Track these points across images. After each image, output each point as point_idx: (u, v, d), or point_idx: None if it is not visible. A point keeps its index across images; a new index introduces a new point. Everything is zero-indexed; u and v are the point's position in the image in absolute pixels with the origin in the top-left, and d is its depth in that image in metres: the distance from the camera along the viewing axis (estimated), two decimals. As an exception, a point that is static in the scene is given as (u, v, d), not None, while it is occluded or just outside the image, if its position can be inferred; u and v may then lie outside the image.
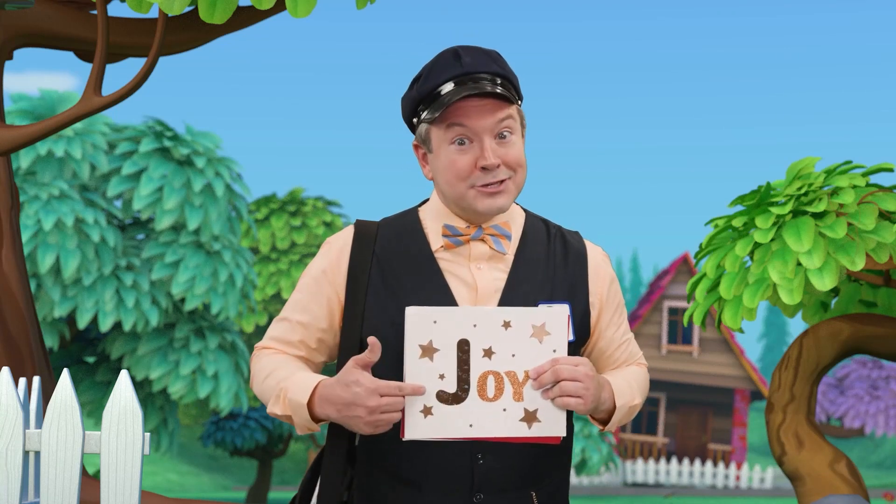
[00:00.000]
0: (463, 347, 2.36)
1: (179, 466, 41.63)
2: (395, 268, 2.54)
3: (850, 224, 4.30)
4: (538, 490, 2.52)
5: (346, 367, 2.37)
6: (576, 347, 2.56)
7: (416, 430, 2.36)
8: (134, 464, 3.52)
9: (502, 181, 2.49)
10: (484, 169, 2.47)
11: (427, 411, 2.36)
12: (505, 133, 2.49)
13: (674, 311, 42.19)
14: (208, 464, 43.65)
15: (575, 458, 33.22)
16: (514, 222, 2.60)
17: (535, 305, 2.50)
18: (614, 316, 2.65)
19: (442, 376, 2.35)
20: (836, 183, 4.39)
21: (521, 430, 2.38)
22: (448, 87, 2.47)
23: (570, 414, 2.59)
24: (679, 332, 42.04)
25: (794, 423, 4.57)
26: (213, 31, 6.13)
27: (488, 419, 2.36)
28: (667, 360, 42.04)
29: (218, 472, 43.23)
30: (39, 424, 3.85)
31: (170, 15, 5.34)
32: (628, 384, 2.60)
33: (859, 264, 4.16)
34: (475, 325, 2.35)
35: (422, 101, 2.52)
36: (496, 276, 2.52)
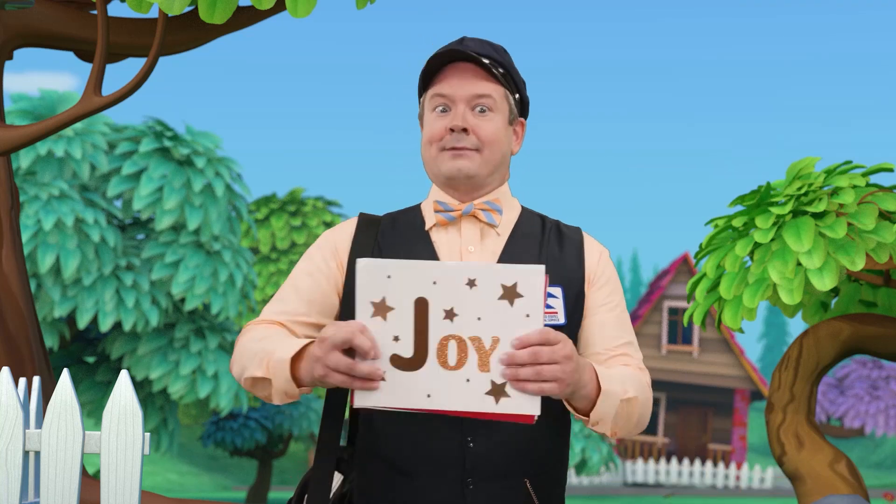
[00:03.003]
0: (421, 307, 2.08)
1: (179, 466, 41.63)
2: (391, 253, 2.56)
3: (850, 224, 4.30)
4: (532, 477, 2.49)
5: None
6: (568, 333, 2.52)
7: (368, 397, 2.11)
8: (134, 464, 3.52)
9: (474, 150, 2.52)
10: (452, 132, 2.52)
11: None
12: (483, 108, 2.53)
13: (674, 311, 42.18)
14: (208, 464, 43.65)
15: (575, 458, 33.21)
16: (509, 206, 2.62)
17: None
18: (610, 298, 2.59)
19: (396, 338, 2.09)
20: (836, 183, 4.39)
21: (486, 405, 2.09)
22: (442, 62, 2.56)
23: (565, 411, 2.57)
24: (679, 332, 42.04)
25: (794, 423, 4.57)
26: (213, 31, 6.13)
27: (449, 390, 2.08)
28: (667, 360, 42.02)
29: (218, 472, 43.23)
30: (39, 424, 3.85)
31: (170, 15, 5.34)
32: (620, 377, 2.45)
33: (859, 264, 4.16)
34: (435, 283, 2.07)
35: (422, 79, 2.61)
36: (487, 258, 2.54)
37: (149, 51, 6.08)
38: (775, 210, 4.36)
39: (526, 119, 2.67)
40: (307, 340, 2.36)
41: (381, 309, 2.08)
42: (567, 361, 2.14)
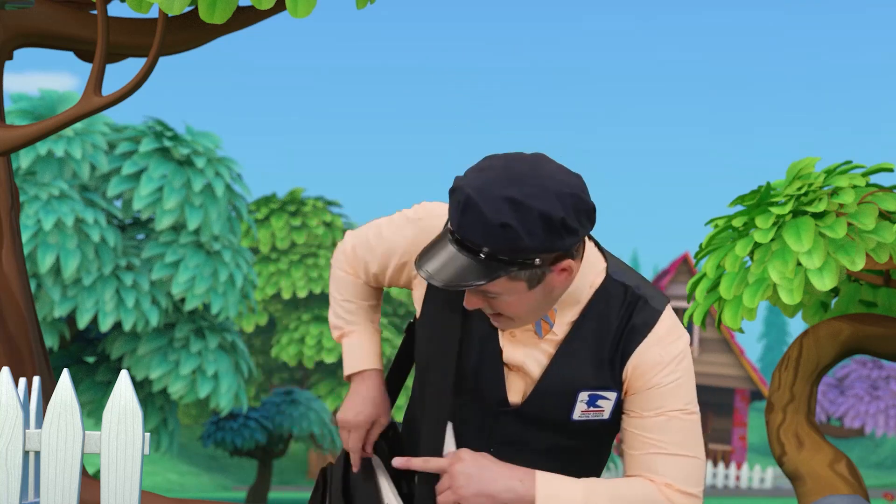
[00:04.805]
0: None
1: (179, 466, 41.65)
2: (459, 294, 2.39)
3: (850, 224, 4.30)
4: None
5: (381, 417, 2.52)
6: (612, 427, 2.40)
7: None
8: (134, 464, 3.52)
9: (508, 318, 2.28)
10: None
11: None
12: (489, 299, 2.26)
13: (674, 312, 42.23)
14: (208, 464, 43.67)
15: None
16: (574, 299, 2.34)
17: (576, 395, 2.32)
18: (646, 408, 2.34)
19: None
20: (836, 183, 4.39)
21: None
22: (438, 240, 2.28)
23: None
24: (679, 332, 42.04)
25: (794, 423, 4.57)
26: (213, 31, 6.14)
27: None
28: (667, 360, 42.05)
29: (218, 472, 43.25)
30: (39, 424, 3.85)
31: (170, 15, 5.34)
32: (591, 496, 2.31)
33: (859, 264, 4.16)
34: None
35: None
36: (532, 368, 2.34)
37: (149, 51, 6.08)
38: (775, 210, 4.37)
39: (578, 245, 2.22)
40: (366, 366, 2.54)
41: None
42: (459, 477, 2.31)
